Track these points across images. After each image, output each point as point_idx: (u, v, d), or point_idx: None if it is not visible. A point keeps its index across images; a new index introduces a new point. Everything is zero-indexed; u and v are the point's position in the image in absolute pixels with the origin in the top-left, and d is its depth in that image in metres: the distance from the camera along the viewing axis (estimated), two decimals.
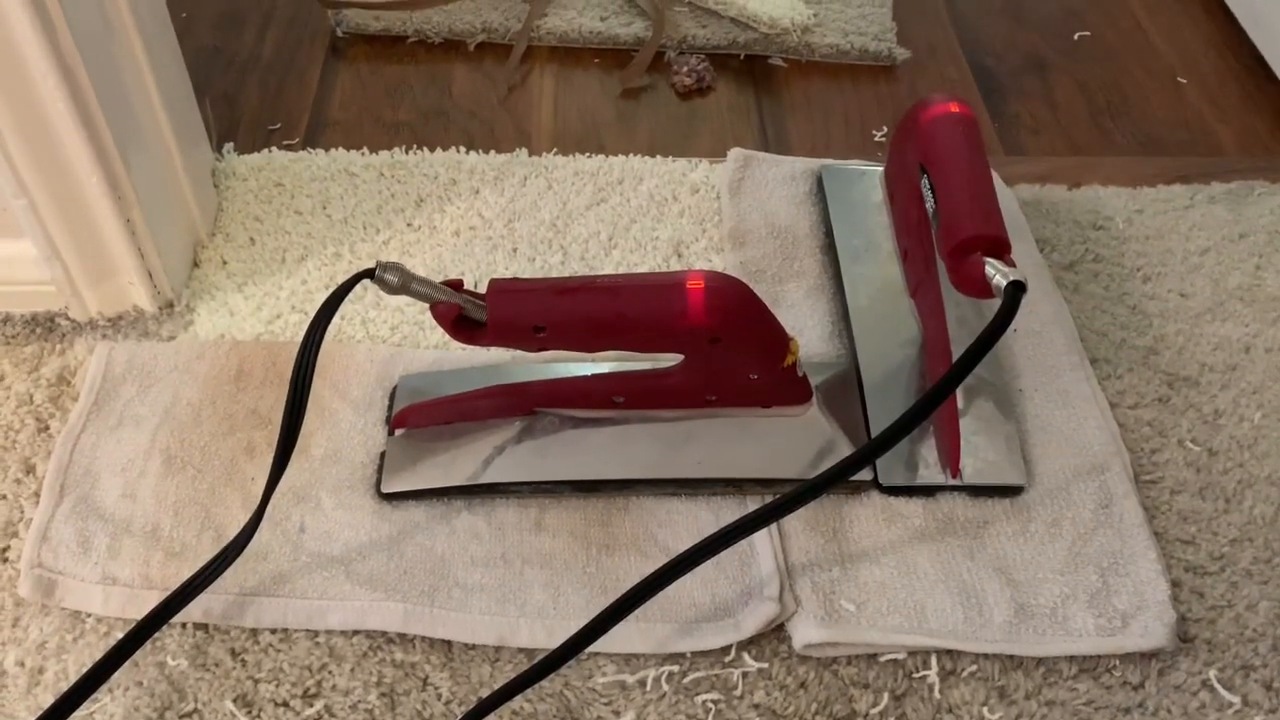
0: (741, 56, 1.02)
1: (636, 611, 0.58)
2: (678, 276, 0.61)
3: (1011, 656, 0.61)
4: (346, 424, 0.69)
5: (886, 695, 0.60)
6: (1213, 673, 0.61)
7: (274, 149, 0.89)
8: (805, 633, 0.61)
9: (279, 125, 0.93)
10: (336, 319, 0.74)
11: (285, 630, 0.61)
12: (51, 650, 0.60)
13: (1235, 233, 0.84)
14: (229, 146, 0.89)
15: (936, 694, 0.60)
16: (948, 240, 0.65)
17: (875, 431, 0.68)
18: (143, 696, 0.59)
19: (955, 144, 0.69)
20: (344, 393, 0.71)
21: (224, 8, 1.05)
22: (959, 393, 0.70)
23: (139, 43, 0.70)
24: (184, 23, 1.02)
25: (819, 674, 0.61)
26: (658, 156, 0.89)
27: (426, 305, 0.61)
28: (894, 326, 0.74)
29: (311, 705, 0.59)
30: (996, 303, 0.61)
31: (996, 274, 0.61)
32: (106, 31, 0.67)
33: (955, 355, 0.61)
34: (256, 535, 0.61)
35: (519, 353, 0.72)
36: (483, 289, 0.61)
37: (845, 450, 0.67)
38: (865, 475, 0.67)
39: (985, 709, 0.59)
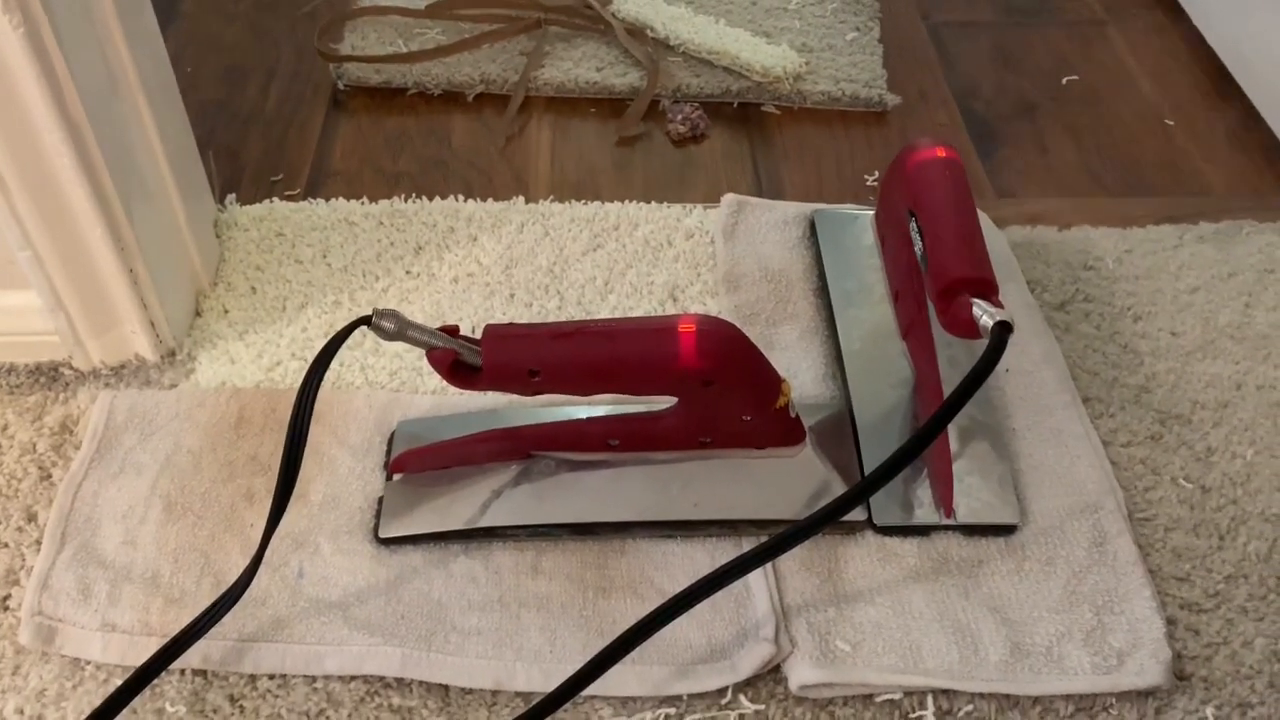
0: (735, 104, 1.04)
1: (633, 654, 0.58)
2: (670, 320, 0.62)
3: (1008, 696, 0.61)
4: (345, 469, 0.70)
5: None
6: (1210, 710, 0.61)
7: (275, 199, 0.91)
8: (801, 674, 0.61)
9: (281, 176, 0.95)
10: (335, 366, 0.76)
11: (283, 676, 0.62)
12: (51, 698, 0.61)
13: (1224, 271, 0.85)
14: (231, 197, 0.90)
15: None
16: (936, 282, 0.66)
17: (869, 471, 0.69)
18: None
19: (942, 188, 0.70)
20: (342, 439, 0.72)
21: (228, 62, 1.08)
22: (952, 433, 0.70)
23: (143, 98, 0.71)
24: (188, 77, 1.05)
25: (815, 715, 0.61)
26: (653, 203, 0.91)
27: (423, 351, 0.62)
28: (887, 368, 0.75)
29: None
30: (986, 343, 0.62)
31: (984, 315, 0.62)
32: (111, 88, 0.69)
33: (947, 395, 0.62)
34: (255, 581, 0.62)
35: (515, 397, 0.73)
36: (478, 334, 0.62)
37: (839, 491, 0.68)
38: (860, 515, 0.67)
39: None
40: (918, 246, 0.70)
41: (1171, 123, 1.02)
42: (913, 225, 0.71)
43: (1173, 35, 1.13)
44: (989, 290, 0.64)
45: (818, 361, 0.77)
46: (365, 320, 0.60)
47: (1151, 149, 1.00)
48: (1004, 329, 0.61)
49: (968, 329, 0.64)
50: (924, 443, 0.59)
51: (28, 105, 0.63)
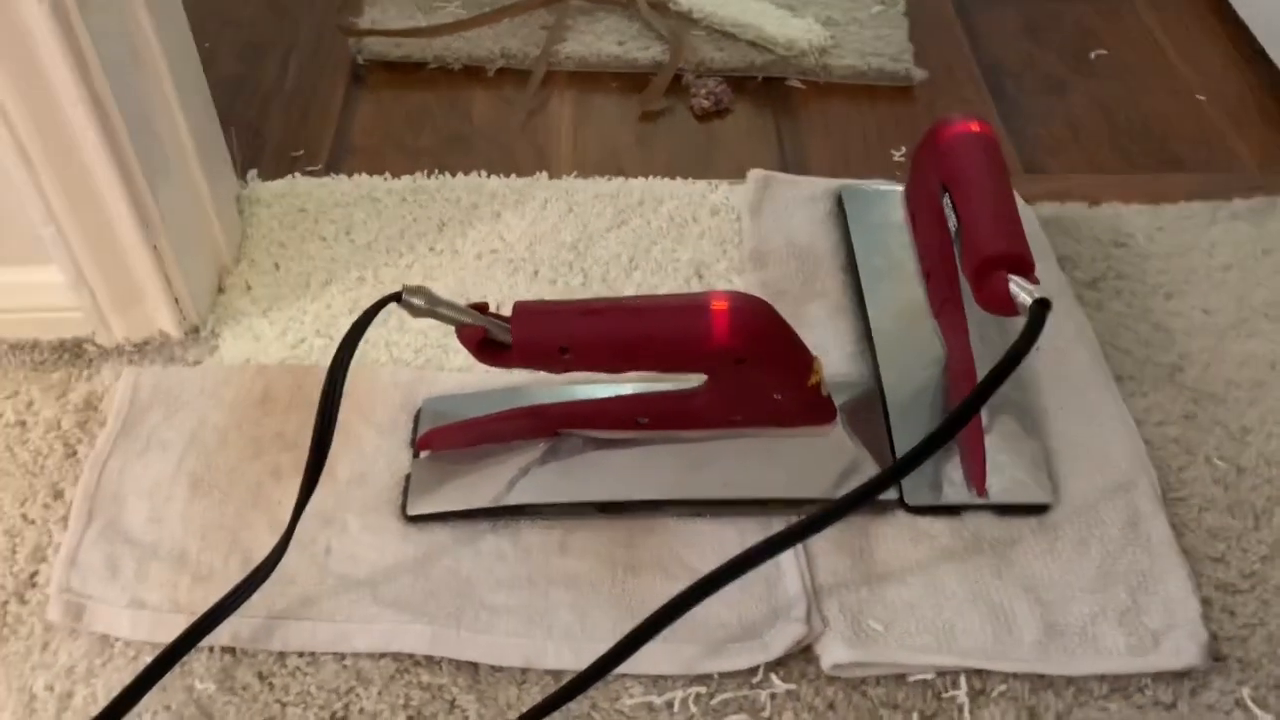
0: (759, 78, 1.02)
1: (663, 633, 0.58)
2: (702, 298, 0.61)
3: (1042, 676, 0.61)
4: (371, 447, 0.70)
5: (916, 715, 0.59)
6: (1246, 691, 0.60)
7: (297, 175, 0.90)
8: (833, 653, 0.61)
9: (302, 152, 0.94)
10: (362, 344, 0.75)
11: (312, 653, 0.62)
12: (80, 675, 0.61)
13: (1259, 249, 0.84)
14: (253, 173, 0.90)
15: (966, 714, 0.60)
16: (971, 259, 0.65)
17: (899, 451, 0.68)
18: None
19: (977, 163, 0.69)
20: (369, 416, 0.71)
21: (248, 38, 1.07)
22: (984, 411, 0.70)
23: (166, 73, 0.71)
24: (208, 53, 1.03)
25: (848, 695, 0.60)
26: (677, 179, 0.90)
27: (451, 328, 0.61)
28: (917, 346, 0.74)
29: None
30: (1020, 320, 0.61)
31: (1021, 292, 0.62)
32: (134, 63, 0.68)
33: (979, 374, 0.61)
34: (283, 558, 0.61)
35: (542, 374, 0.72)
36: (505, 312, 0.62)
37: (870, 470, 0.67)
38: (891, 495, 0.67)
39: None
40: (951, 222, 0.69)
41: (1203, 98, 1.01)
42: (946, 201, 0.70)
43: (1203, 8, 1.11)
44: (1026, 267, 0.63)
45: (847, 339, 0.77)
46: (396, 297, 0.59)
47: (1183, 124, 0.98)
48: (1043, 306, 0.60)
49: (1004, 306, 0.63)
50: (961, 422, 0.59)
51: (52, 80, 0.63)
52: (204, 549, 0.65)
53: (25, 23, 0.60)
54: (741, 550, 0.58)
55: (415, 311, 0.59)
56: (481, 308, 0.61)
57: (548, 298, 0.78)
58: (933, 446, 0.58)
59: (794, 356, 0.64)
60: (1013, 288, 0.62)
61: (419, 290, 0.59)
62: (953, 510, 0.67)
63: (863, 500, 0.58)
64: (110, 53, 0.64)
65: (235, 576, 0.62)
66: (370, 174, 0.90)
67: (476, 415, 0.69)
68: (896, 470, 0.59)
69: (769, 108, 1.00)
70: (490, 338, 0.61)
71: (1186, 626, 0.61)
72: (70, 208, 0.69)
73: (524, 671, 0.61)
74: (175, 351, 0.76)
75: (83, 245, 0.71)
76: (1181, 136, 0.97)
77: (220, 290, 0.80)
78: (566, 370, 0.62)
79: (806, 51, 1.01)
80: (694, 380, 0.66)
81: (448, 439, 0.69)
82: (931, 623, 0.62)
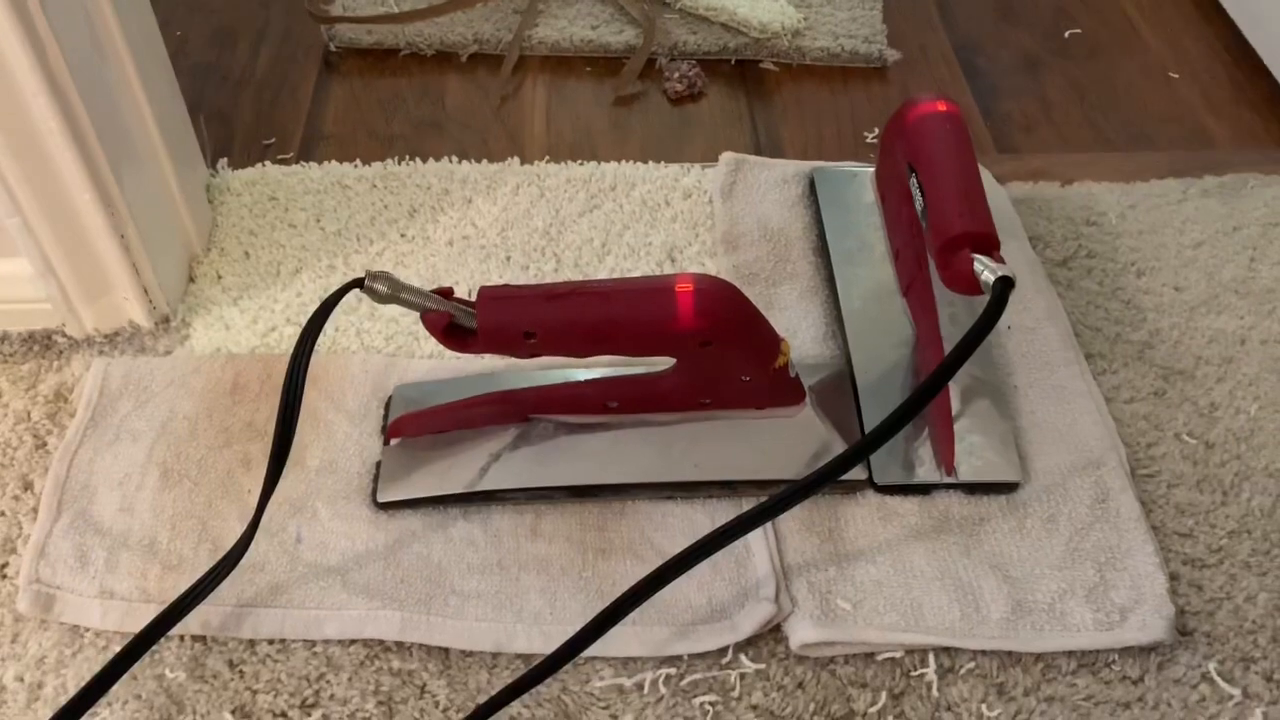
0: (733, 61, 1.02)
1: (633, 615, 0.58)
2: (667, 280, 0.61)
3: (1010, 653, 0.61)
4: (342, 434, 0.70)
5: (884, 694, 0.60)
6: (1212, 665, 0.61)
7: (268, 163, 0.90)
8: (802, 633, 0.61)
9: (273, 140, 0.94)
10: (331, 330, 0.75)
11: (283, 640, 0.62)
12: (50, 665, 0.61)
13: (1229, 226, 0.84)
14: (223, 162, 0.89)
15: (935, 692, 0.60)
16: (936, 238, 0.65)
17: (869, 430, 0.68)
18: (141, 709, 0.59)
19: (942, 142, 0.69)
20: (339, 403, 0.71)
21: (218, 25, 1.06)
22: (954, 391, 0.70)
23: (130, 62, 0.70)
24: (178, 41, 1.03)
25: (816, 674, 0.61)
26: (650, 162, 0.89)
27: (418, 314, 0.61)
28: (887, 327, 0.74)
29: (310, 715, 0.59)
30: (987, 299, 0.61)
31: (985, 270, 0.62)
32: (97, 51, 0.68)
33: (948, 353, 0.61)
34: (253, 546, 0.61)
35: (513, 360, 0.72)
36: (475, 297, 0.61)
37: (839, 450, 0.66)
38: (860, 475, 0.67)
39: (984, 706, 0.59)
40: (918, 202, 0.69)
41: (1176, 76, 1.01)
42: (913, 180, 0.70)
43: None
44: (990, 245, 0.63)
45: (818, 321, 0.77)
46: (358, 283, 0.59)
47: (1155, 102, 0.98)
48: (1005, 284, 0.60)
49: (969, 285, 0.63)
50: (924, 400, 0.59)
51: (13, 70, 0.62)
52: (174, 538, 0.65)
53: None
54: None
55: (378, 297, 0.59)
56: (446, 292, 0.61)
57: (518, 283, 0.78)
58: (898, 423, 0.58)
59: (760, 338, 0.64)
60: (976, 266, 0.62)
61: (381, 276, 0.58)
62: (922, 489, 0.67)
63: (828, 479, 0.59)
64: (71, 42, 0.64)
65: (205, 565, 0.62)
66: (341, 161, 0.90)
67: (447, 401, 0.69)
68: (861, 448, 0.59)
69: (742, 90, 1.00)
70: (455, 323, 0.61)
71: (1153, 602, 0.62)
72: (35, 198, 0.68)
73: (495, 656, 0.61)
74: (146, 341, 0.76)
75: (49, 236, 0.71)
76: (1154, 114, 0.97)
77: (190, 279, 0.80)
78: (533, 355, 0.62)
79: (780, 34, 1.00)
80: (662, 364, 0.66)
81: (418, 425, 0.69)
82: (900, 601, 0.62)
